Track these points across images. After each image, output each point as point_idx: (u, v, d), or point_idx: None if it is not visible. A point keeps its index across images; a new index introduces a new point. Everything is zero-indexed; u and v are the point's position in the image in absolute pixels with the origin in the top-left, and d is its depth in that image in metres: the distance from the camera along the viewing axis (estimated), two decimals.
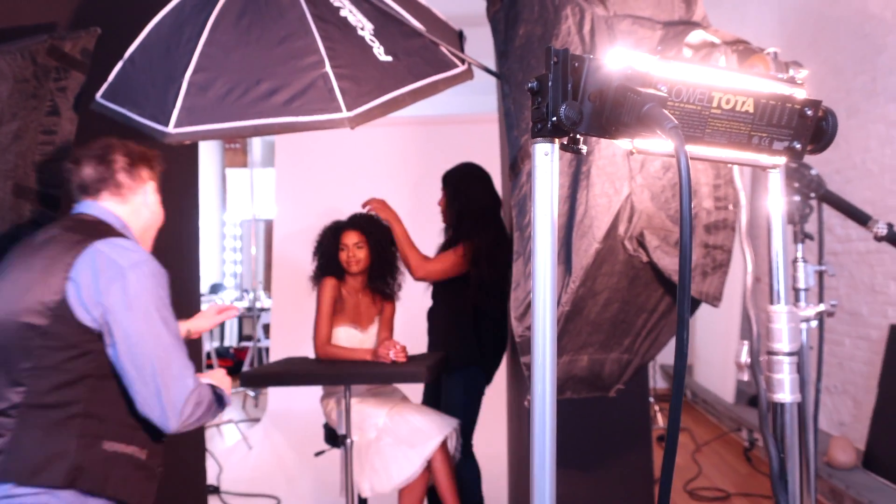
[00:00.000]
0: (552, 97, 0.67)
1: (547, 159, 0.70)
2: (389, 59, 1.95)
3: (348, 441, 2.56)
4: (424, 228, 5.22)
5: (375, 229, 2.90)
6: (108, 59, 2.03)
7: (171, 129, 1.82)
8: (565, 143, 0.71)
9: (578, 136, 0.71)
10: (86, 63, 2.11)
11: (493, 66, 2.12)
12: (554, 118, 0.67)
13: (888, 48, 3.54)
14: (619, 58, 0.68)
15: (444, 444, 2.67)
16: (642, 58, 0.69)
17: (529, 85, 0.69)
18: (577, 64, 0.67)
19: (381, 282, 2.90)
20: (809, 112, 0.79)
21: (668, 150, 0.75)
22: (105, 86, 2.01)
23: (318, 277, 2.91)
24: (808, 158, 1.92)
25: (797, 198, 1.90)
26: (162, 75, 1.91)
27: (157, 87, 1.91)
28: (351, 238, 2.84)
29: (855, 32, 3.86)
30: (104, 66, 2.03)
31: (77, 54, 2.10)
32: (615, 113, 0.66)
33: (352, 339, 2.82)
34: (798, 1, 4.54)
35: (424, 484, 2.70)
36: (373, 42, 1.95)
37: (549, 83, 0.67)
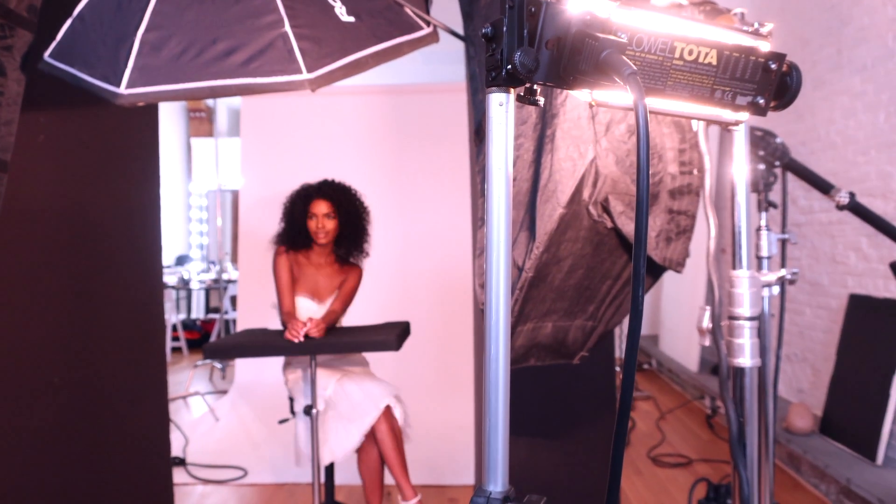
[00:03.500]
0: (507, 43, 0.63)
1: (502, 110, 0.67)
2: (352, 19, 1.89)
3: (314, 411, 2.55)
4: (390, 196, 5.17)
5: (346, 199, 2.84)
6: (57, 16, 1.94)
7: (122, 89, 1.75)
8: (521, 93, 0.69)
9: (535, 86, 0.68)
10: (33, 21, 2.01)
11: (459, 31, 2.07)
12: (509, 66, 0.64)
13: (853, 20, 3.56)
14: (578, 3, 0.65)
15: (388, 414, 2.66)
16: (603, 4, 0.66)
17: (483, 30, 0.65)
18: (533, 9, 0.64)
19: (347, 251, 2.87)
20: (773, 66, 0.77)
21: (629, 103, 0.72)
22: (53, 44, 1.92)
23: (279, 242, 2.86)
24: (773, 128, 1.92)
25: (762, 166, 1.91)
26: (113, 34, 1.83)
27: (107, 45, 1.83)
28: (321, 208, 2.78)
29: (822, 4, 3.88)
30: (52, 24, 1.93)
31: (23, 11, 2.00)
32: (573, 61, 0.64)
33: (308, 310, 2.79)
34: None
35: (377, 453, 2.70)
36: (335, 2, 1.88)
37: (504, 28, 0.63)
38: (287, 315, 2.73)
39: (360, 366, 2.90)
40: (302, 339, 2.51)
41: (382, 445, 2.65)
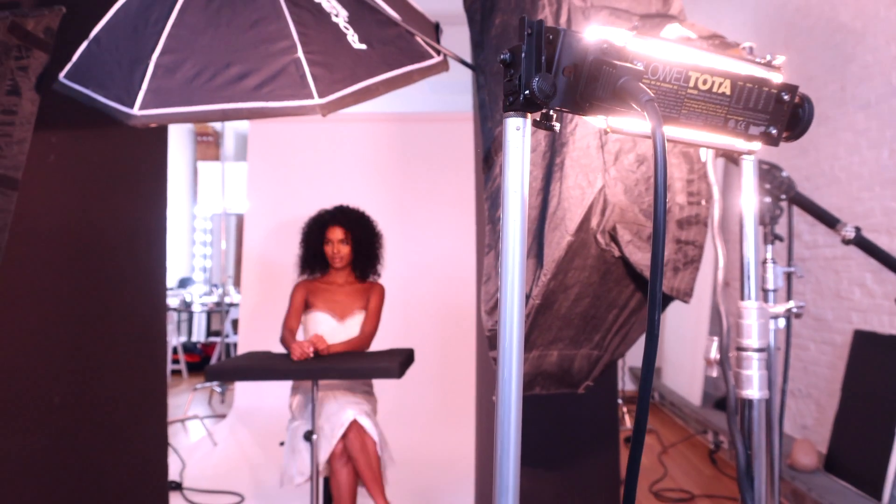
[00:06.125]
0: (525, 69, 0.65)
1: (518, 134, 0.67)
2: (363, 47, 1.91)
3: (314, 437, 2.52)
4: (395, 223, 5.19)
5: (359, 225, 2.98)
6: (73, 38, 1.97)
7: (136, 111, 1.77)
8: (538, 119, 0.69)
9: (551, 111, 0.69)
10: (49, 42, 2.04)
11: (469, 60, 2.10)
12: (526, 91, 0.65)
13: (857, 58, 3.60)
14: (595, 32, 0.66)
15: (358, 429, 2.66)
16: (619, 33, 0.67)
17: (502, 56, 0.66)
18: (551, 36, 0.65)
19: (364, 270, 3.00)
20: (786, 97, 0.78)
21: (644, 130, 0.73)
22: (69, 66, 1.95)
23: (302, 269, 3.02)
24: (779, 162, 1.93)
25: (768, 199, 1.92)
26: (128, 56, 1.85)
27: (122, 67, 1.85)
28: (336, 234, 2.92)
29: (826, 42, 3.92)
30: (68, 46, 1.96)
31: (40, 33, 2.03)
32: (590, 87, 0.64)
33: (327, 325, 2.88)
34: (771, 10, 4.61)
35: (347, 472, 2.69)
36: (347, 29, 1.91)
37: (523, 55, 0.64)
38: (289, 333, 2.83)
39: (365, 393, 2.89)
40: (310, 355, 2.58)
41: (356, 463, 2.64)
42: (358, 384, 2.92)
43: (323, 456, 2.62)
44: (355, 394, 2.85)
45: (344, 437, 2.65)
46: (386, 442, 2.81)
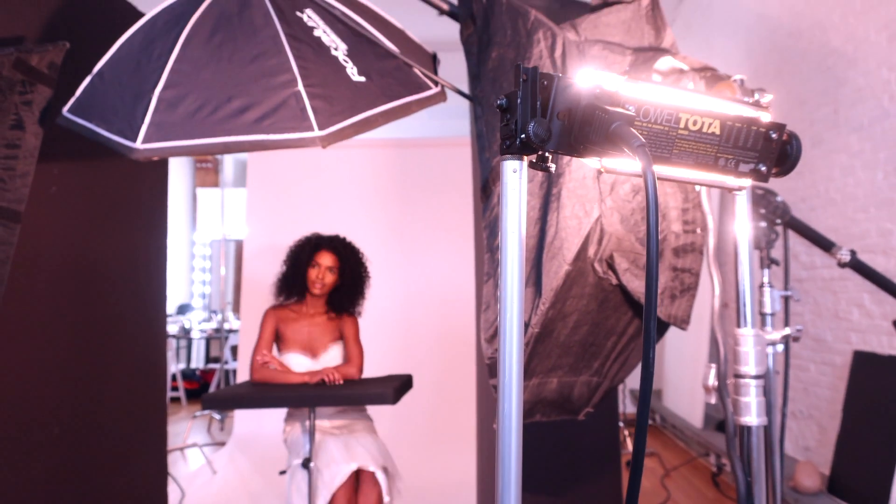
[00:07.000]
0: (521, 114, 0.67)
1: (515, 176, 0.70)
2: (362, 79, 1.95)
3: (311, 465, 2.51)
4: (394, 249, 5.21)
5: (351, 257, 2.88)
6: (77, 73, 2.00)
7: (138, 144, 1.80)
8: (534, 160, 0.72)
9: (547, 153, 0.71)
10: (53, 77, 2.07)
11: (466, 89, 2.14)
12: (522, 135, 0.67)
13: (849, 81, 3.65)
14: (588, 77, 0.69)
15: (373, 483, 2.61)
16: (611, 78, 0.70)
17: (498, 102, 0.69)
18: (546, 82, 0.67)
19: (341, 305, 2.89)
20: (774, 135, 0.80)
21: (637, 170, 0.75)
22: (72, 100, 1.98)
23: (279, 289, 2.90)
24: (774, 186, 1.96)
25: (763, 224, 1.94)
26: (131, 91, 1.88)
27: (125, 102, 1.88)
28: (325, 259, 2.81)
29: (818, 65, 3.98)
30: (72, 81, 2.00)
31: (44, 68, 2.07)
32: (583, 131, 0.67)
33: (303, 366, 2.78)
34: (764, 34, 4.67)
35: None
36: (346, 62, 1.95)
37: (518, 100, 0.67)
38: (259, 369, 2.72)
39: (362, 420, 2.86)
40: (341, 381, 2.58)
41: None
42: (359, 411, 2.91)
43: (326, 495, 2.53)
44: (364, 425, 2.83)
45: (357, 487, 2.59)
46: (398, 477, 2.75)
